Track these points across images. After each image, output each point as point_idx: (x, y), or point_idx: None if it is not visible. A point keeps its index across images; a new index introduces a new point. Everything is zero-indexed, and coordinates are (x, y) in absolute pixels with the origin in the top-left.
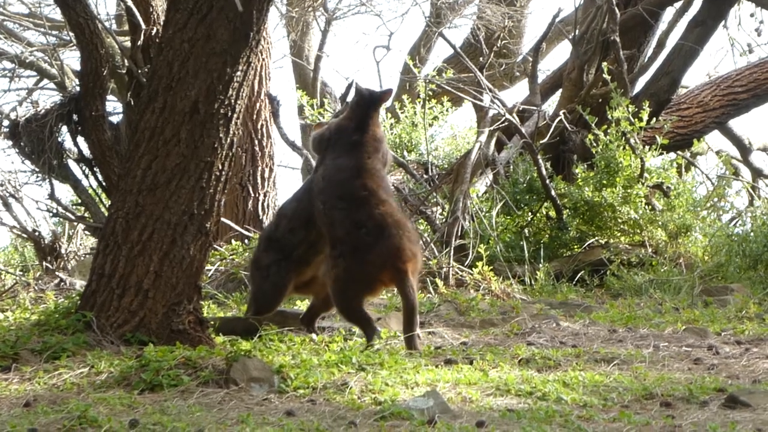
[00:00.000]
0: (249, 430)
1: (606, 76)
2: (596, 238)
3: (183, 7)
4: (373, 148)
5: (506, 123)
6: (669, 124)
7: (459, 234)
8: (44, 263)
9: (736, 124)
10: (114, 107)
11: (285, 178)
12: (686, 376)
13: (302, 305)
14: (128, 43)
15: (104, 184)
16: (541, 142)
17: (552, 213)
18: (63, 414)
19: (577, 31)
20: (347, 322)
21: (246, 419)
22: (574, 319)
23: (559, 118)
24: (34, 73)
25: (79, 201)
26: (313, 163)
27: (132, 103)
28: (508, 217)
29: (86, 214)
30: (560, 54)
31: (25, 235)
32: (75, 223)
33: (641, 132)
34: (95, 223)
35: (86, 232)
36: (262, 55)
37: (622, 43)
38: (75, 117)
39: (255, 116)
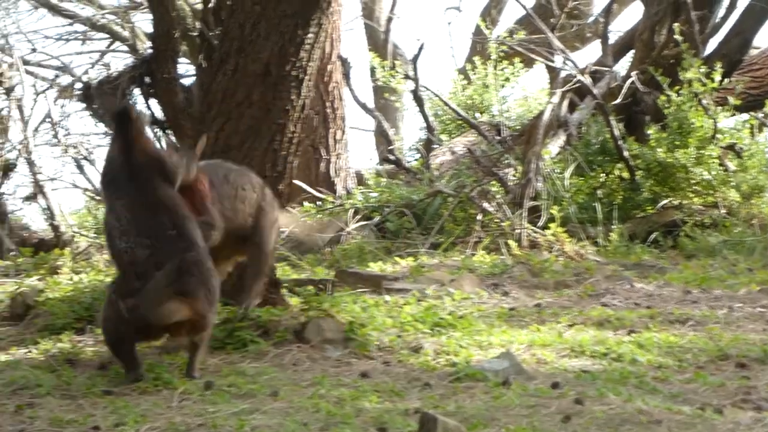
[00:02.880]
0: (324, 392)
1: (677, 36)
2: (669, 199)
3: None
4: None
5: (578, 84)
6: (741, 84)
7: (532, 195)
8: None
9: None
10: (186, 69)
11: (356, 140)
12: (761, 337)
13: (376, 267)
14: (200, 5)
15: (177, 146)
16: (613, 103)
17: (625, 174)
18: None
19: None
20: None
21: (321, 381)
22: (648, 280)
23: (631, 80)
24: (106, 36)
25: None
26: (386, 125)
27: (204, 65)
28: (581, 179)
29: None
30: (631, 15)
31: (98, 198)
32: None
33: (713, 93)
34: None
35: None
36: (333, 17)
37: (693, 3)
38: (147, 79)
39: (326, 78)
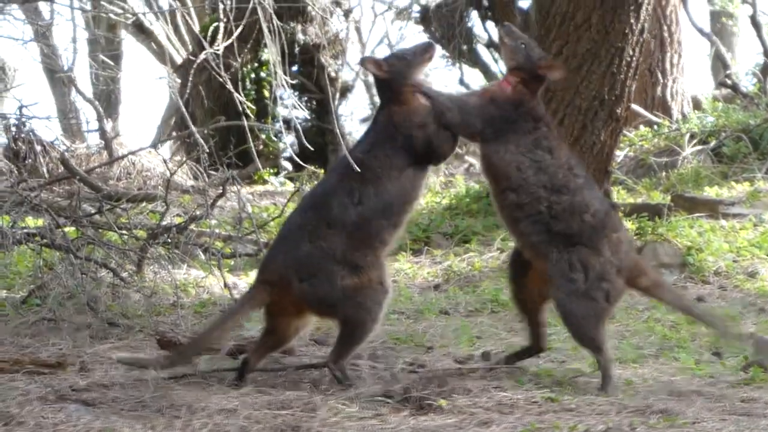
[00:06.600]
0: (659, 316)
1: None
2: None
3: None
4: None
5: None
6: None
7: None
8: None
9: None
10: None
11: (692, 64)
12: None
13: (712, 191)
14: None
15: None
16: None
17: None
18: (473, 296)
19: None
20: None
21: (656, 305)
22: None
23: None
24: None
25: None
26: (723, 50)
27: None
28: None
29: None
30: None
31: None
32: None
33: None
34: None
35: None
36: None
37: None
38: (485, 2)
39: (664, 2)
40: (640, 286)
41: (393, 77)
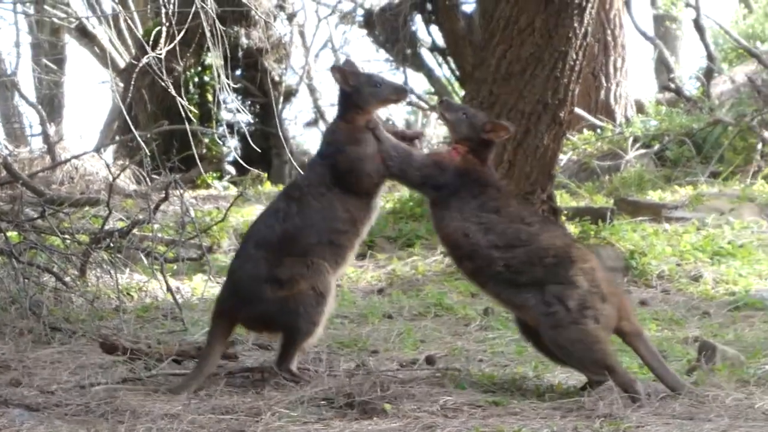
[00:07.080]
0: None
1: None
2: None
3: None
4: None
5: None
6: None
7: None
8: None
9: None
10: None
11: (636, 68)
12: None
13: (655, 195)
14: None
15: (457, 73)
16: None
17: None
18: (417, 300)
19: None
20: None
21: None
22: None
23: None
24: None
25: (432, 90)
26: (666, 53)
27: None
28: None
29: None
30: None
31: None
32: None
33: None
34: None
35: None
36: None
37: None
38: (428, 6)
39: (608, 5)
40: (622, 329)
41: (353, 95)
